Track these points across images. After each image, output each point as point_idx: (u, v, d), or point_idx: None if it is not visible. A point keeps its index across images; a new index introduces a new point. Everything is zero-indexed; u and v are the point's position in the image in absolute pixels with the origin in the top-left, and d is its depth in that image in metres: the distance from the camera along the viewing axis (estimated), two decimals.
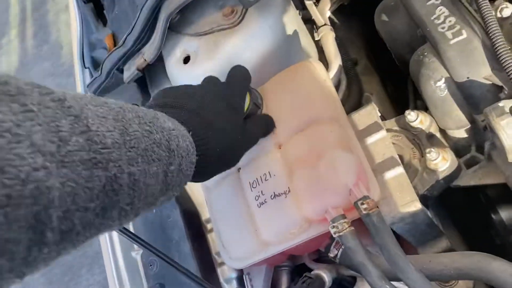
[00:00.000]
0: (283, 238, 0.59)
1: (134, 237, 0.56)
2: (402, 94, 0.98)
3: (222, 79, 0.62)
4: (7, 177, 0.24)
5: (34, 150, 0.26)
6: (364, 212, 0.51)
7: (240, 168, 0.65)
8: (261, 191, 0.60)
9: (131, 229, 0.71)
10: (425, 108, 0.97)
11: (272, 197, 0.59)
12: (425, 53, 0.62)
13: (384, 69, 0.97)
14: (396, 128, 0.69)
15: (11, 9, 3.80)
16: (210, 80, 0.58)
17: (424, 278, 0.49)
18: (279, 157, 0.61)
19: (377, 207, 0.52)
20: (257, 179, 0.61)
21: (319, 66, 0.66)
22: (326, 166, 0.56)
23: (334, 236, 0.53)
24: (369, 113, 0.68)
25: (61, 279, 2.40)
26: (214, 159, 0.50)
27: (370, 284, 0.52)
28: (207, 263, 0.67)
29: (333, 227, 0.53)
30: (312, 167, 0.57)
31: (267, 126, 0.63)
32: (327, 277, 0.63)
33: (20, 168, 0.25)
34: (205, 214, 0.72)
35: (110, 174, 0.32)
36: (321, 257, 0.70)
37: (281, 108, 0.64)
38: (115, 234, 0.69)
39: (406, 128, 0.67)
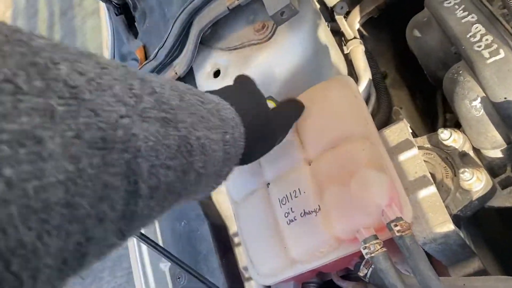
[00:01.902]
0: (312, 256, 0.59)
1: (162, 250, 0.56)
2: (431, 107, 0.97)
3: None
4: (101, 120, 0.25)
5: (117, 99, 0.27)
6: (397, 234, 0.51)
7: (269, 184, 0.65)
8: (291, 208, 0.60)
9: (160, 241, 0.71)
10: (455, 123, 0.96)
11: (302, 215, 0.59)
12: (460, 72, 0.61)
13: (413, 82, 0.96)
14: (428, 145, 0.68)
15: (39, 14, 3.90)
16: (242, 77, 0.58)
17: None
18: (309, 174, 0.61)
19: (410, 229, 0.52)
20: (286, 195, 0.61)
21: (350, 82, 0.65)
22: (357, 185, 0.56)
23: (366, 257, 0.53)
24: (401, 130, 0.67)
25: (83, 281, 2.44)
26: (255, 139, 0.50)
27: None
28: (234, 277, 0.67)
29: (365, 248, 0.53)
30: (343, 186, 0.57)
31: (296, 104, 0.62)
32: None
33: (109, 113, 0.26)
34: (232, 228, 0.72)
35: (181, 134, 0.33)
36: (349, 274, 0.70)
37: (311, 124, 0.64)
38: (144, 246, 0.70)
39: (438, 146, 0.66)
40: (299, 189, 0.60)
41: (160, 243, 0.71)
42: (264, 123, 0.52)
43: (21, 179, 0.19)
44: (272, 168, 0.64)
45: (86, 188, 0.23)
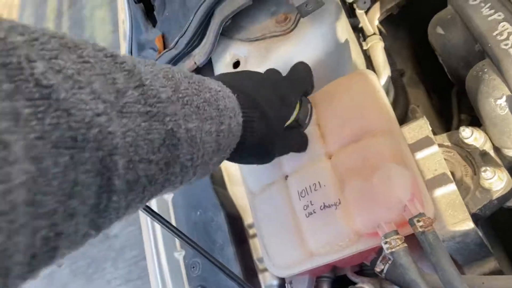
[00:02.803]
0: (331, 250, 0.59)
1: (180, 234, 0.56)
2: (445, 107, 0.97)
3: None
4: (73, 120, 0.25)
5: (95, 97, 0.27)
6: (420, 229, 0.51)
7: (287, 176, 0.65)
8: (310, 201, 0.60)
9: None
10: (469, 123, 0.96)
11: (321, 208, 0.58)
12: (485, 69, 0.60)
13: (429, 82, 0.96)
14: (448, 144, 0.67)
15: (48, 2, 3.89)
16: (272, 71, 0.58)
17: None
18: (330, 168, 0.61)
19: (432, 224, 0.51)
20: (306, 188, 0.61)
21: (373, 77, 0.65)
22: (380, 180, 0.55)
23: (386, 252, 0.52)
24: (421, 127, 0.67)
25: (85, 271, 2.45)
26: (254, 142, 0.49)
27: None
28: (249, 268, 0.67)
29: (386, 242, 0.52)
30: (365, 180, 0.57)
31: (303, 143, 0.62)
32: None
33: (84, 112, 0.26)
34: (247, 219, 0.72)
35: (167, 128, 0.33)
36: (362, 270, 0.69)
37: (333, 118, 0.63)
38: (159, 234, 0.70)
39: (459, 145, 0.66)
40: (319, 182, 0.60)
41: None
42: (270, 138, 0.51)
43: None
44: (291, 161, 0.64)
45: (50, 187, 0.24)
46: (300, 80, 0.59)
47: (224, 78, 0.50)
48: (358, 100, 0.63)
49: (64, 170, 0.24)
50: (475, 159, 0.64)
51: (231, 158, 0.50)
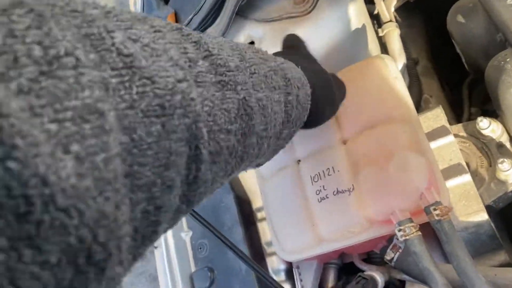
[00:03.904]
0: (342, 236, 0.58)
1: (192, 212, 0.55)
2: (456, 99, 0.96)
3: None
4: (158, 87, 0.24)
5: (173, 63, 0.27)
6: (436, 218, 0.50)
7: (299, 160, 0.64)
8: (323, 186, 0.59)
9: None
10: (479, 115, 0.95)
11: (334, 193, 0.58)
12: (507, 59, 0.59)
13: (443, 72, 0.94)
14: (463, 134, 0.67)
15: None
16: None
17: None
18: (344, 153, 0.60)
19: (449, 213, 0.51)
20: (319, 173, 0.60)
21: (391, 62, 0.64)
22: (396, 167, 0.55)
23: (400, 239, 0.52)
24: (437, 116, 0.66)
25: None
26: (322, 99, 0.48)
27: None
28: (256, 252, 0.66)
29: (400, 230, 0.52)
30: (381, 167, 0.56)
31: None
32: (380, 279, 0.61)
33: (166, 79, 0.25)
34: (256, 202, 0.72)
35: (240, 97, 0.32)
36: (370, 258, 0.69)
37: (349, 103, 0.62)
38: None
39: (474, 135, 0.65)
40: (333, 167, 0.59)
41: None
42: (329, 85, 0.50)
43: (89, 153, 0.19)
44: (304, 145, 0.63)
45: (145, 157, 0.23)
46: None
47: (281, 54, 0.49)
48: (376, 85, 0.61)
49: (157, 140, 0.24)
50: (491, 151, 0.63)
51: (308, 126, 0.49)
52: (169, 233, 0.68)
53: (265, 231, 0.69)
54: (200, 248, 0.66)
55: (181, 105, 0.26)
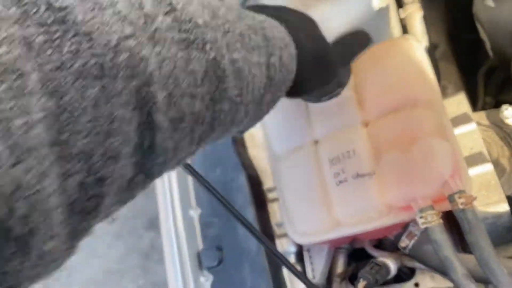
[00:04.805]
0: (359, 220, 0.56)
1: (206, 183, 0.52)
2: (471, 88, 0.94)
3: None
4: (96, 45, 0.21)
5: (120, 17, 0.23)
6: (460, 206, 0.48)
7: (317, 141, 0.62)
8: (342, 169, 0.57)
9: (191, 186, 0.68)
10: (493, 107, 0.93)
11: (354, 177, 0.56)
12: None
13: (461, 59, 0.92)
14: (485, 122, 0.65)
15: None
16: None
17: None
18: (366, 136, 0.58)
19: (473, 202, 0.49)
20: (338, 155, 0.58)
21: (417, 45, 0.61)
22: (420, 153, 0.53)
23: (421, 227, 0.50)
24: (459, 102, 0.64)
25: None
26: (310, 63, 0.43)
27: (453, 282, 0.49)
28: (266, 233, 0.65)
29: (421, 217, 0.50)
30: (404, 152, 0.54)
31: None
32: (392, 266, 0.60)
33: (108, 35, 0.22)
34: (267, 182, 0.70)
35: (209, 57, 0.29)
36: (381, 244, 0.68)
37: (372, 84, 0.60)
38: (175, 189, 0.67)
39: (497, 124, 0.63)
40: (353, 150, 0.57)
41: (192, 189, 0.68)
42: (322, 48, 0.45)
43: (5, 117, 0.17)
44: (323, 125, 0.61)
45: (79, 124, 0.21)
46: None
47: (258, 7, 0.44)
48: (402, 67, 0.59)
49: (95, 105, 0.21)
50: None
51: (292, 93, 0.44)
52: (177, 210, 0.66)
53: (275, 212, 0.68)
54: (209, 226, 0.65)
55: (127, 66, 0.23)
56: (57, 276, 2.11)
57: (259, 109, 0.37)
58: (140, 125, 0.24)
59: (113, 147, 0.22)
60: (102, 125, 0.21)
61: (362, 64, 0.62)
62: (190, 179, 0.69)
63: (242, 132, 0.42)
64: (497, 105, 0.94)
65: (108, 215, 0.26)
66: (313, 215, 0.59)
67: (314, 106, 0.61)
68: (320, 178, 0.59)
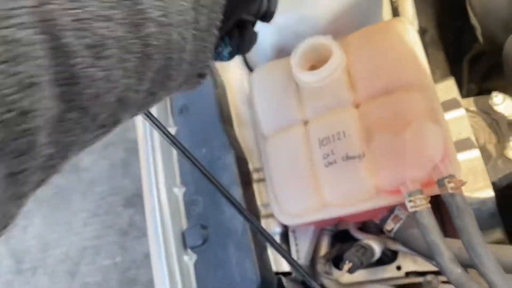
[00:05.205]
0: (347, 202, 0.56)
1: (180, 146, 0.49)
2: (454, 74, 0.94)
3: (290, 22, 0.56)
4: None
5: None
6: (450, 191, 0.48)
7: (307, 122, 0.61)
8: (332, 150, 0.56)
9: (176, 165, 0.67)
10: (477, 93, 0.94)
11: (343, 159, 0.55)
12: None
13: (448, 45, 0.92)
14: (474, 108, 0.65)
15: None
16: None
17: (500, 268, 0.47)
18: (356, 118, 0.57)
19: (461, 187, 0.49)
20: (328, 137, 0.57)
21: (411, 27, 0.61)
22: (412, 136, 0.52)
23: (410, 210, 0.50)
24: (449, 88, 0.64)
25: (50, 200, 2.38)
26: None
27: (440, 266, 0.49)
28: (252, 213, 0.64)
29: (410, 201, 0.50)
30: (394, 135, 0.54)
31: None
32: (377, 248, 0.60)
33: None
34: (253, 162, 0.69)
35: None
36: (365, 227, 0.68)
37: (365, 65, 0.59)
38: (159, 166, 0.65)
39: (485, 110, 0.64)
40: (344, 131, 0.56)
41: (176, 167, 0.66)
42: None
43: None
44: (314, 105, 0.60)
45: None
46: None
47: None
48: (394, 50, 0.58)
49: None
50: (501, 128, 0.62)
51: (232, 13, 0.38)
52: (162, 188, 0.64)
53: (261, 192, 0.67)
54: (194, 205, 0.63)
55: None
56: (32, 250, 2.08)
57: (202, 36, 0.33)
58: (51, 50, 0.22)
59: (25, 75, 0.21)
60: (7, 51, 0.20)
61: (354, 44, 0.61)
62: (175, 157, 0.67)
63: (202, 77, 0.37)
64: (481, 92, 0.95)
65: (52, 168, 0.24)
66: (301, 196, 0.58)
67: (306, 88, 0.60)
68: (309, 159, 0.58)
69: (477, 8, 0.69)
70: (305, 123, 0.61)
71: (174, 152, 0.68)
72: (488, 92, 0.96)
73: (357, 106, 0.58)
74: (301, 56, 0.60)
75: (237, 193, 0.61)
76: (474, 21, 0.71)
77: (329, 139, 0.57)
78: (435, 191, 0.51)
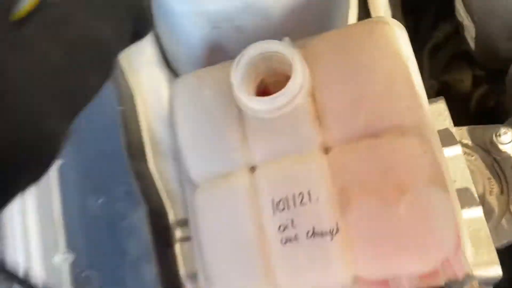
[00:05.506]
0: None
1: None
2: None
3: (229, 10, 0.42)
4: None
5: None
6: None
7: (254, 167, 0.42)
8: (291, 220, 0.38)
9: (61, 224, 0.45)
10: (437, 90, 0.85)
11: (309, 235, 0.37)
12: None
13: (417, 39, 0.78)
14: (468, 142, 0.50)
15: None
16: None
17: None
18: (326, 169, 0.39)
19: None
20: (287, 197, 0.39)
21: (401, 32, 0.43)
22: (408, 210, 0.36)
23: None
24: (439, 114, 0.48)
25: None
26: None
27: None
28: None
29: None
30: (383, 203, 0.36)
31: None
32: None
33: None
34: (177, 211, 0.49)
35: None
36: None
37: (337, 89, 0.41)
38: (32, 220, 0.44)
39: (484, 146, 0.49)
40: (309, 192, 0.38)
41: (61, 227, 0.45)
42: None
43: None
44: (264, 145, 0.41)
45: None
46: None
47: None
48: (383, 68, 0.40)
49: None
50: (504, 172, 0.47)
51: None
52: (35, 255, 0.43)
53: (187, 257, 0.47)
54: (87, 284, 0.43)
55: None
56: None
57: None
58: None
59: None
60: None
61: (323, 55, 0.42)
62: (57, 208, 0.46)
63: None
64: (441, 88, 0.86)
65: None
66: (242, 278, 0.40)
67: (253, 118, 0.41)
68: (257, 228, 0.40)
69: (477, 12, 0.52)
70: (252, 169, 0.42)
71: (57, 200, 0.46)
72: (447, 89, 0.85)
73: (326, 151, 0.40)
74: (245, 69, 0.40)
75: (149, 271, 0.41)
76: (468, 21, 0.55)
77: (287, 203, 0.38)
78: (437, 282, 0.36)
